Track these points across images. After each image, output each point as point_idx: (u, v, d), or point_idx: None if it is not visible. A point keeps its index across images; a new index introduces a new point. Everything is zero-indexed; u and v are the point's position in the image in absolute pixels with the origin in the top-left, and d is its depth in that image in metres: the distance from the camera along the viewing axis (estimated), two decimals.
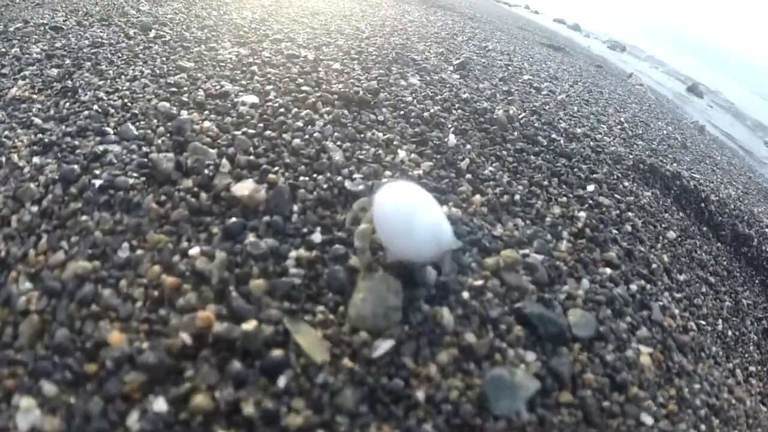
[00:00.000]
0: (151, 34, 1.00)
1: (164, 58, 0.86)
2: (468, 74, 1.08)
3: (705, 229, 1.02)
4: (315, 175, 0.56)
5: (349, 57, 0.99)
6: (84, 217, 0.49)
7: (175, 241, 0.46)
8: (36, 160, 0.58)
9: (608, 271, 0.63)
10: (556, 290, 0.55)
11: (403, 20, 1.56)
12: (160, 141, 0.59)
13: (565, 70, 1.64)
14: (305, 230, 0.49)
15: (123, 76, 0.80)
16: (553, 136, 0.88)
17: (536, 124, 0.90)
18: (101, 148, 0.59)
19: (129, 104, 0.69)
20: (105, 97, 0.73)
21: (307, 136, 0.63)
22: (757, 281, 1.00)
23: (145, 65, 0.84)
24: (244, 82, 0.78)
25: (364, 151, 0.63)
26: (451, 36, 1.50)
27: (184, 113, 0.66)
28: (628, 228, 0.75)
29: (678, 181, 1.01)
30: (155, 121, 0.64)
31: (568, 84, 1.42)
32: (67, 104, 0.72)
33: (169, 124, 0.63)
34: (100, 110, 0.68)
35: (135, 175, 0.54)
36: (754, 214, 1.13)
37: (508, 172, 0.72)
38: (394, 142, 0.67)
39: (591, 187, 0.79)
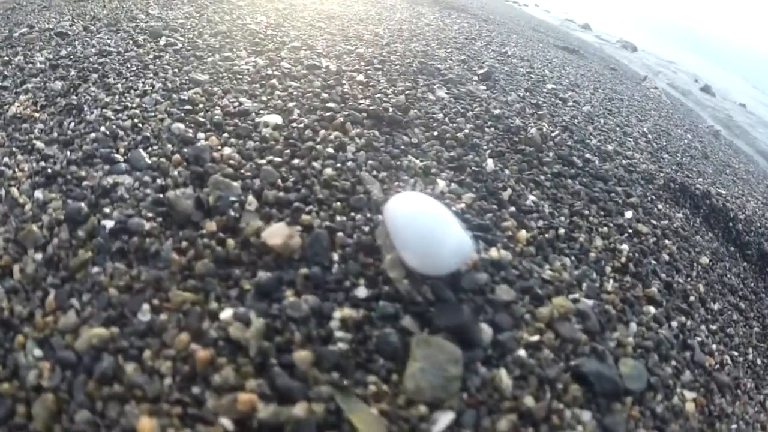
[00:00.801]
0: (162, 42, 0.92)
1: (176, 70, 0.78)
2: (494, 85, 1.01)
3: (732, 248, 0.97)
4: (353, 214, 0.50)
5: (372, 67, 0.91)
6: (95, 269, 0.42)
7: (203, 301, 0.39)
8: (38, 194, 0.51)
9: (652, 309, 0.58)
10: (607, 338, 0.50)
11: (419, 24, 1.47)
12: (176, 172, 0.52)
13: (583, 75, 1.55)
14: (348, 283, 0.43)
15: (132, 91, 0.72)
16: (587, 155, 0.82)
17: (569, 143, 0.83)
18: (110, 180, 0.52)
19: (139, 125, 0.62)
20: (113, 117, 0.65)
21: (339, 165, 0.56)
22: None
23: (156, 78, 0.76)
24: (264, 98, 0.70)
25: (402, 182, 0.56)
26: (470, 41, 1.42)
27: (201, 136, 0.59)
28: (665, 257, 0.70)
29: (707, 200, 0.96)
30: (169, 146, 0.57)
31: (590, 92, 1.34)
32: (72, 124, 0.65)
33: (186, 150, 0.55)
34: (108, 133, 0.60)
35: (150, 215, 0.47)
36: None
37: (548, 200, 0.66)
38: (432, 170, 0.60)
39: (629, 214, 0.73)
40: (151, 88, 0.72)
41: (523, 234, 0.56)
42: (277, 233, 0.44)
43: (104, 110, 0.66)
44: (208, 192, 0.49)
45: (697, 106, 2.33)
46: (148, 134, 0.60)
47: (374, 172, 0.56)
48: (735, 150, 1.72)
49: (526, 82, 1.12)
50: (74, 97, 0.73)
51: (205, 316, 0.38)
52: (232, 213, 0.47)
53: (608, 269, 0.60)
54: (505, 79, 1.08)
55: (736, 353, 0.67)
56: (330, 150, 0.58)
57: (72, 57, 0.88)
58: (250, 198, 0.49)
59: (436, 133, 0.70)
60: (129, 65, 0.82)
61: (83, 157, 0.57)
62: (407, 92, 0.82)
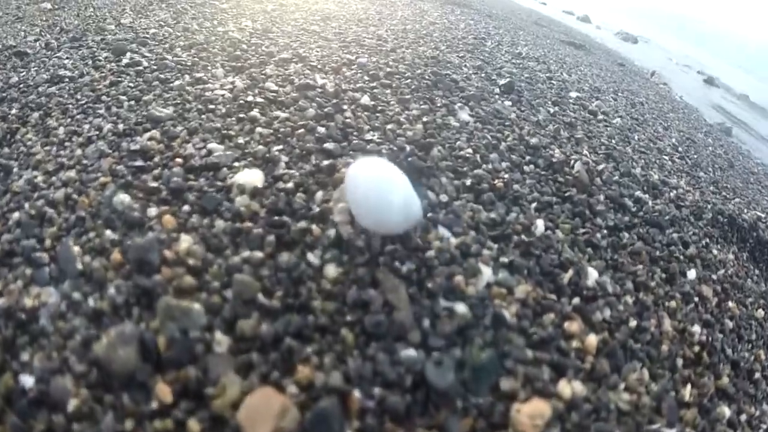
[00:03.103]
0: (124, 61, 0.66)
1: (133, 102, 0.53)
2: (520, 99, 0.76)
3: None
4: (371, 348, 0.29)
5: (378, 83, 0.66)
6: None
7: None
8: None
9: (726, 411, 0.41)
10: None
11: (424, 23, 1.17)
12: (113, 288, 0.31)
13: (598, 76, 1.27)
14: None
15: (74, 137, 0.49)
16: (637, 193, 0.59)
17: (616, 177, 0.60)
18: (31, 299, 0.31)
19: (75, 197, 0.40)
20: (43, 183, 0.42)
21: (346, 257, 0.35)
22: None
23: (107, 114, 0.52)
24: (241, 140, 0.46)
25: (437, 280, 0.35)
26: (480, 41, 1.12)
27: (152, 213, 0.36)
28: (729, 324, 0.51)
29: (754, 232, 0.74)
30: (108, 233, 0.35)
31: (612, 97, 1.07)
32: None
33: (129, 243, 0.34)
34: (33, 213, 0.38)
35: (80, 368, 0.26)
36: None
37: (608, 269, 0.45)
38: (472, 248, 0.39)
39: (692, 274, 0.52)
40: (97, 132, 0.48)
41: (592, 341, 0.36)
42: (262, 415, 0.23)
43: (35, 172, 0.43)
44: (157, 328, 0.28)
45: (703, 99, 2.01)
46: (84, 212, 0.37)
47: (396, 264, 0.35)
48: (749, 148, 1.47)
49: (550, 92, 0.87)
50: (6, 150, 0.50)
51: None
52: (193, 370, 0.26)
53: (680, 362, 0.41)
54: (529, 90, 0.82)
55: None
56: (332, 231, 0.36)
57: (21, 86, 0.63)
58: (219, 336, 0.28)
59: (468, 182, 0.47)
60: (79, 97, 0.57)
61: (1, 254, 0.35)
62: (424, 118, 0.58)
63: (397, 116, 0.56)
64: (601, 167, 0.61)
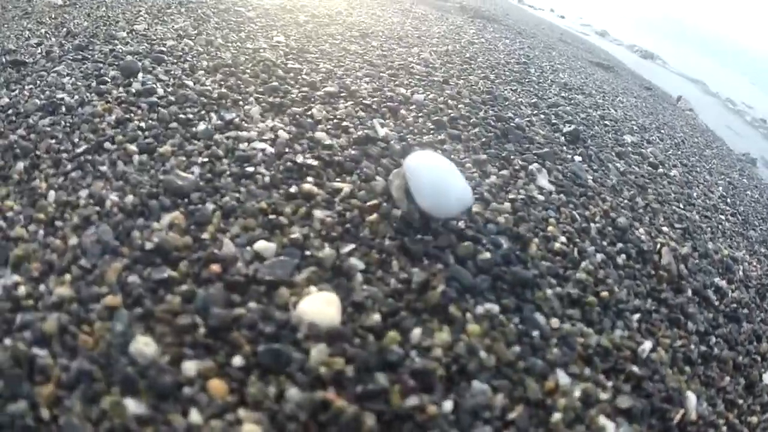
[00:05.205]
0: (135, 85, 0.49)
1: (146, 155, 0.38)
2: (588, 152, 0.61)
3: None
4: None
5: (446, 134, 0.50)
6: None
7: None
8: None
9: None
10: None
11: (462, 41, 0.98)
12: None
13: (636, 106, 1.12)
14: None
15: (69, 213, 0.33)
16: (716, 280, 0.48)
17: (696, 261, 0.48)
18: None
19: (73, 329, 0.25)
20: (27, 300, 0.26)
21: None
22: None
23: (110, 174, 0.36)
24: (297, 233, 0.31)
25: None
26: (523, 66, 0.95)
27: (190, 370, 0.22)
28: None
29: None
30: (130, 406, 0.21)
31: (657, 136, 0.94)
32: None
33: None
34: (19, 357, 0.23)
35: None
36: None
37: (703, 389, 0.34)
38: (590, 396, 0.27)
39: (767, 378, 0.42)
40: (97, 209, 0.32)
41: None
42: None
43: (16, 276, 0.27)
44: None
45: (725, 124, 1.86)
46: (88, 363, 0.23)
47: None
48: None
49: (608, 136, 0.73)
50: None
51: None
52: None
53: None
54: (591, 137, 0.68)
55: None
56: (448, 404, 0.22)
57: (9, 112, 0.46)
58: None
59: (574, 293, 0.34)
60: (77, 140, 0.41)
61: None
62: (510, 194, 0.43)
63: (479, 188, 0.43)
64: (684, 251, 0.49)
